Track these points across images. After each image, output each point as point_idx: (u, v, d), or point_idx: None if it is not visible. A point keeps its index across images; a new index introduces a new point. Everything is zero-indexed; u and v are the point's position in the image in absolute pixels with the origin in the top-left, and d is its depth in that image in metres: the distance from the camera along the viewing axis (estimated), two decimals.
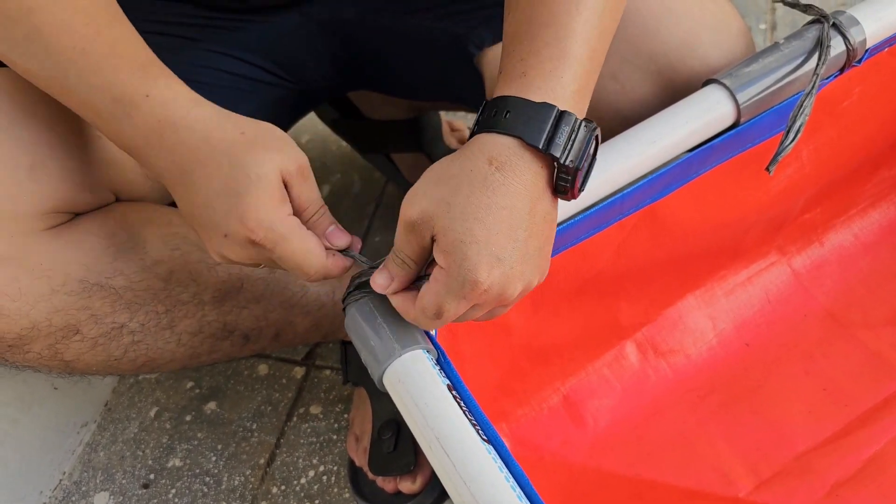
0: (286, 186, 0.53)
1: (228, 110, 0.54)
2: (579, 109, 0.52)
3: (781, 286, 0.89)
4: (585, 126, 0.50)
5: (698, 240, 0.78)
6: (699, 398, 0.82)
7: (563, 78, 0.51)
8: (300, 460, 0.88)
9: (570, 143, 0.49)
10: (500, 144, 0.49)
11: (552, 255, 0.65)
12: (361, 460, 0.83)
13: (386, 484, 0.81)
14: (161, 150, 0.52)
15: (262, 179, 0.51)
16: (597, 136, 0.52)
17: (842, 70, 0.70)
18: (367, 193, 1.15)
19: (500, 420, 0.80)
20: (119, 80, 0.52)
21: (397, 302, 0.53)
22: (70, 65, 0.52)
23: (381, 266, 0.53)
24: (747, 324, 0.87)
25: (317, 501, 0.85)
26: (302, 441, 0.90)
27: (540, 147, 0.49)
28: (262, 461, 0.89)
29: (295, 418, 0.92)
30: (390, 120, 1.06)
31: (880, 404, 0.79)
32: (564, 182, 0.51)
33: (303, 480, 0.87)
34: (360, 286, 0.57)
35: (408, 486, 0.80)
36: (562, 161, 0.49)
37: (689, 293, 0.86)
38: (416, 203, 0.50)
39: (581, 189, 0.52)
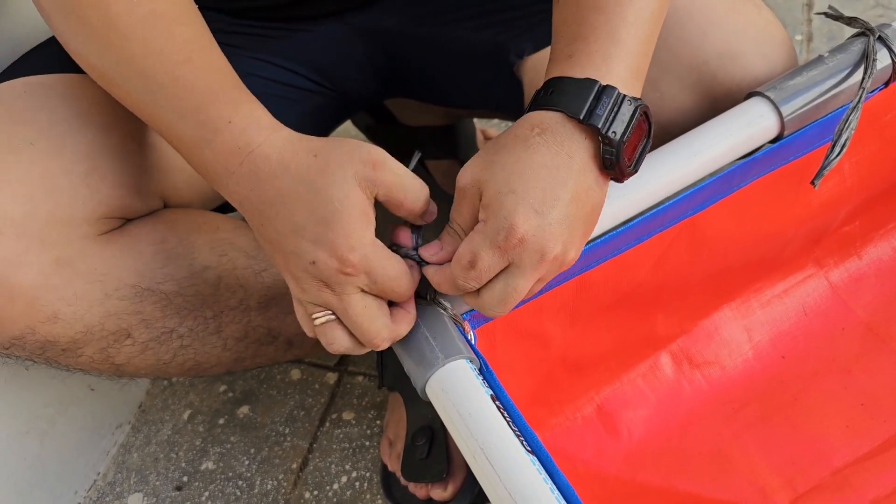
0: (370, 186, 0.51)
1: (300, 133, 0.54)
2: (630, 89, 0.53)
3: (819, 299, 0.88)
4: (630, 101, 0.51)
5: (737, 253, 0.77)
6: (734, 411, 0.82)
7: (610, 58, 0.52)
8: (333, 466, 0.89)
9: (613, 115, 0.50)
10: (543, 116, 0.51)
11: (593, 267, 0.66)
12: (394, 465, 0.83)
13: (418, 490, 0.81)
14: (241, 178, 0.52)
15: (345, 201, 0.50)
16: (646, 113, 0.52)
17: (887, 83, 0.70)
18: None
19: (533, 430, 0.80)
20: (205, 105, 0.52)
21: (431, 273, 0.54)
22: (160, 90, 0.52)
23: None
24: (783, 336, 0.86)
25: None
26: (334, 447, 0.90)
27: (581, 118, 0.50)
28: (294, 466, 0.89)
29: (328, 424, 0.92)
30: (425, 126, 1.06)
31: None
32: (610, 156, 0.51)
33: (335, 486, 0.87)
34: None
35: (439, 493, 0.80)
36: (603, 132, 0.50)
37: (725, 305, 0.86)
38: (468, 171, 0.52)
39: (632, 169, 0.53)
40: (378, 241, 0.52)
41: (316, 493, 0.87)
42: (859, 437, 0.78)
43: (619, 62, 0.52)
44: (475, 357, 0.55)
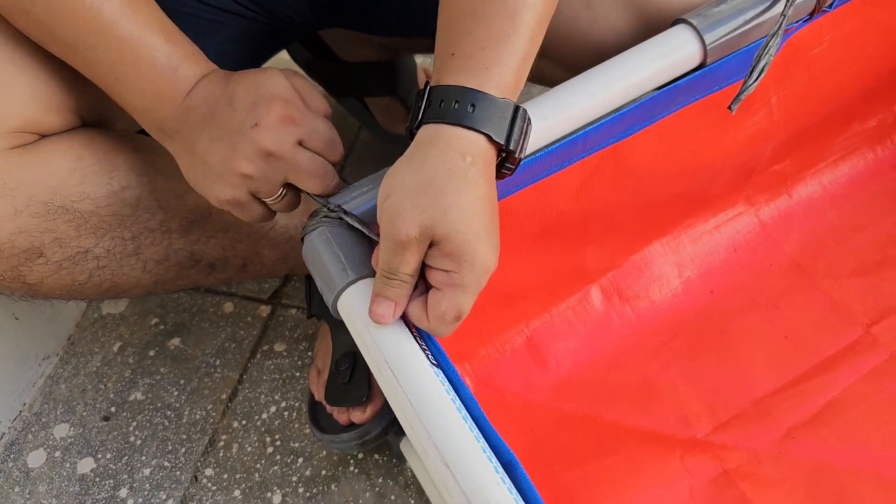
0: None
1: (201, 42, 0.59)
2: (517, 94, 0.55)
3: (749, 236, 0.89)
4: (529, 119, 0.54)
5: (664, 184, 0.77)
6: (662, 343, 0.83)
7: (518, 72, 0.53)
8: (262, 396, 0.88)
9: (522, 137, 0.53)
10: (470, 141, 0.51)
11: (513, 193, 0.66)
12: (320, 394, 0.83)
13: (340, 415, 0.81)
14: (174, 111, 0.57)
15: (269, 72, 0.57)
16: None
17: (811, 15, 0.69)
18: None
19: (462, 360, 0.80)
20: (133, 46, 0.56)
21: (412, 311, 0.52)
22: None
23: (373, 296, 0.52)
24: (713, 272, 0.87)
25: (277, 436, 0.85)
26: (265, 377, 0.90)
27: (502, 143, 0.52)
28: (223, 396, 0.89)
29: (259, 355, 0.92)
30: (365, 62, 1.04)
31: (840, 352, 0.80)
32: (508, 170, 0.54)
33: (264, 415, 0.87)
34: (316, 215, 0.57)
35: (359, 415, 0.80)
36: (517, 155, 0.53)
37: (655, 240, 0.86)
38: (408, 219, 0.49)
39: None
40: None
41: (244, 422, 0.87)
42: (781, 369, 0.79)
43: (520, 74, 0.53)
44: None
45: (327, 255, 0.55)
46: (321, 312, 0.83)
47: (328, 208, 0.56)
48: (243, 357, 0.92)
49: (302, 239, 0.58)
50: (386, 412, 0.80)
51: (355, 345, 0.75)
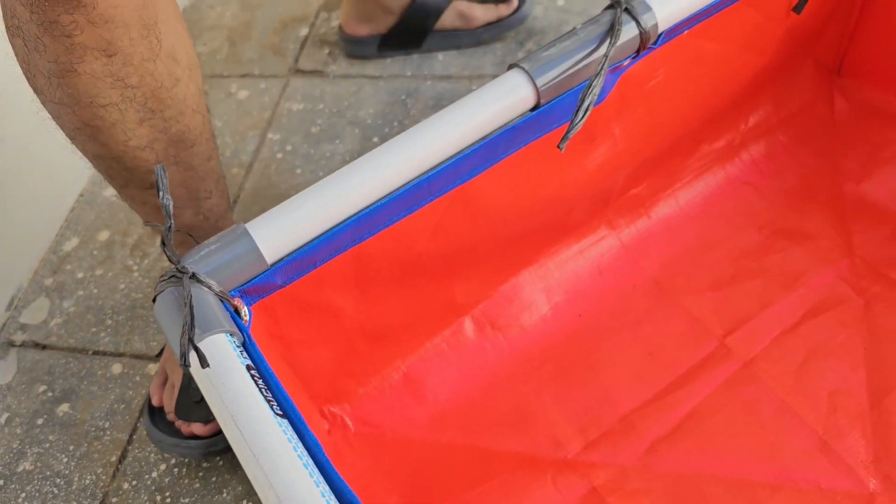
0: None
1: None
2: None
3: (612, 258, 0.93)
4: None
5: (520, 219, 0.81)
6: (534, 368, 0.86)
7: None
8: (152, 455, 0.89)
9: None
10: None
11: (366, 238, 0.69)
12: (167, 401, 0.87)
13: (183, 426, 0.86)
14: None
15: None
16: None
17: (638, 52, 0.75)
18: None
19: (341, 401, 0.83)
20: None
21: None
22: None
23: None
24: (580, 295, 0.91)
25: (167, 493, 0.86)
26: None
27: None
28: (113, 459, 0.89)
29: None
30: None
31: (698, 365, 0.84)
32: None
33: (154, 474, 0.87)
34: (169, 276, 0.59)
35: (199, 428, 0.85)
36: None
37: (523, 269, 0.90)
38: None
39: None
40: None
41: (135, 482, 0.87)
42: (645, 385, 0.84)
43: None
44: (237, 331, 0.57)
45: (179, 312, 0.57)
46: None
47: (178, 269, 0.59)
48: (132, 417, 0.92)
49: (154, 299, 0.60)
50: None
51: None
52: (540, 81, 0.69)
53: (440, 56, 1.27)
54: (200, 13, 1.44)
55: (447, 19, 1.29)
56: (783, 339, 0.85)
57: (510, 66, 0.71)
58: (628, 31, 0.72)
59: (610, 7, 0.73)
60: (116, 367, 0.97)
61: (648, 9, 0.73)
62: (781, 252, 0.92)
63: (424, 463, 0.81)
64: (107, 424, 0.92)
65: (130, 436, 0.91)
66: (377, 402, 0.83)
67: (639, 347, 0.87)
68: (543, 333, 0.89)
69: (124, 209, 1.14)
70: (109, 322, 1.01)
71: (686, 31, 0.80)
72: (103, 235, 1.12)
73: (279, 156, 1.17)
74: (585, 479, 0.77)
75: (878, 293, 0.87)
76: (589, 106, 0.67)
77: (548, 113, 0.71)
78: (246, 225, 0.61)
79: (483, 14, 1.30)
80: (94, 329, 1.01)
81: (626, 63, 0.76)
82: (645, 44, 0.74)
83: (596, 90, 0.67)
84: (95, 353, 0.99)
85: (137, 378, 0.96)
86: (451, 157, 0.68)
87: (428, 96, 1.20)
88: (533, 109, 0.70)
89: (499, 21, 1.30)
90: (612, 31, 0.71)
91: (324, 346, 0.77)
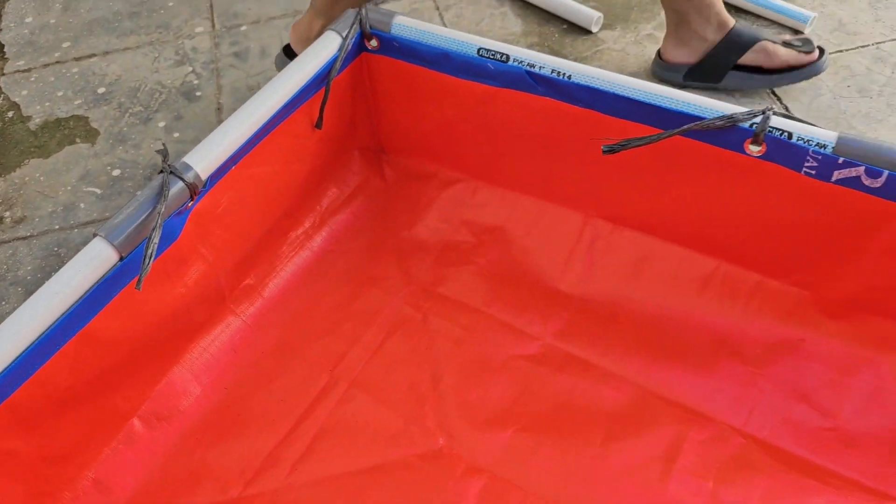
0: None
1: None
2: None
3: (242, 336, 1.19)
4: None
5: (149, 340, 1.05)
6: (197, 441, 1.11)
7: None
8: None
9: None
10: None
11: (13, 392, 0.90)
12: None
13: None
14: None
15: None
16: None
17: (192, 197, 1.02)
18: None
19: None
20: None
21: None
22: None
23: None
24: (223, 373, 1.17)
25: None
26: None
27: None
28: None
29: None
30: None
31: (317, 396, 1.12)
32: None
33: None
34: None
35: None
36: None
37: (173, 366, 1.14)
38: None
39: None
40: None
41: None
42: (281, 425, 1.10)
43: None
44: None
45: None
46: None
47: None
48: None
49: None
50: None
51: None
52: (117, 242, 0.94)
53: None
54: None
55: (749, 56, 1.38)
56: (373, 360, 1.16)
57: (93, 236, 0.95)
58: (176, 189, 0.99)
59: (160, 172, 1.00)
60: None
61: (189, 168, 1.01)
62: (364, 296, 1.24)
63: None
64: None
65: None
66: None
67: (273, 399, 1.14)
68: (200, 412, 1.13)
69: None
70: None
71: (234, 167, 1.09)
72: None
73: None
74: None
75: (431, 307, 1.21)
76: (152, 252, 0.93)
77: (132, 262, 0.96)
78: None
79: (786, 55, 1.37)
80: None
81: (190, 205, 1.03)
82: (195, 191, 1.02)
83: (156, 239, 0.94)
84: None
85: None
86: (58, 318, 0.91)
87: None
88: (119, 262, 0.95)
89: (799, 67, 1.37)
90: (161, 192, 0.98)
91: (10, 481, 0.96)
